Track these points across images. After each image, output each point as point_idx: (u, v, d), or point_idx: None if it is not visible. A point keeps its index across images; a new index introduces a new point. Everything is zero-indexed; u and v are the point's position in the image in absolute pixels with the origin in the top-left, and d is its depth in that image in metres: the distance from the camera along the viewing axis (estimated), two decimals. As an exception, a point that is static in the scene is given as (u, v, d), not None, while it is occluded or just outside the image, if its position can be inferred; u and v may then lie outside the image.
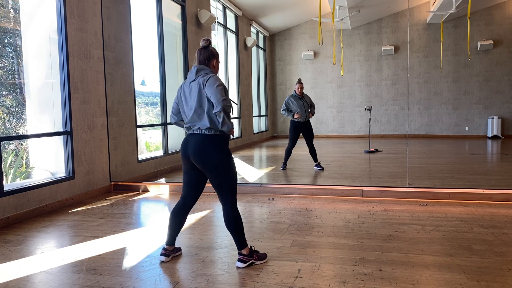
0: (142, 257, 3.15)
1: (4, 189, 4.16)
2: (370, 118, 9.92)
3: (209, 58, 2.93)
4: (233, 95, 10.79)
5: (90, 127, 5.36)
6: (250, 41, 11.33)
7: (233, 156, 2.95)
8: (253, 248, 2.99)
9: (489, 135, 11.77)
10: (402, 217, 4.10)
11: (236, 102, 10.79)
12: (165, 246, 3.08)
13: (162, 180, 6.40)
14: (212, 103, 2.77)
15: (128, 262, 3.05)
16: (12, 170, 5.13)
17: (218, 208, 4.59)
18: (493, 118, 11.71)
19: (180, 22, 7.85)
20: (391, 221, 3.96)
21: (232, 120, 2.85)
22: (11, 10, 5.11)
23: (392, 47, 12.66)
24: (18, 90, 5.18)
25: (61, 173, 5.04)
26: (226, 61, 10.36)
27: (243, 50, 11.21)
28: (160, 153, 7.30)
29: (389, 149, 9.79)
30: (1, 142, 4.25)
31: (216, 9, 9.66)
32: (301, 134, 6.95)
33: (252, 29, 12.01)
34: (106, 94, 5.67)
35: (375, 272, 2.75)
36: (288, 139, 6.97)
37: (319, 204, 4.69)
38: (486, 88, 12.06)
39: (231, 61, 10.68)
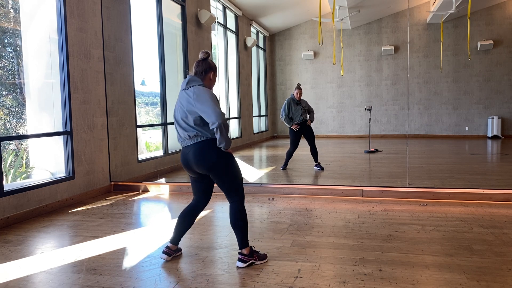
0: (142, 257, 3.15)
1: (4, 189, 4.16)
2: (370, 118, 9.92)
3: (206, 70, 2.92)
4: (233, 95, 10.80)
5: (90, 127, 5.36)
6: (250, 41, 11.33)
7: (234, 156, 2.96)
8: (253, 248, 3.00)
9: (489, 135, 11.77)
10: (402, 217, 4.10)
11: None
12: (169, 244, 3.09)
13: (162, 180, 6.40)
14: (200, 115, 2.75)
15: (128, 262, 3.05)
16: (12, 170, 5.13)
17: (218, 208, 4.59)
18: (493, 118, 11.71)
19: (180, 22, 7.85)
20: (391, 221, 3.96)
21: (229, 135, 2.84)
22: (11, 10, 5.11)
23: (392, 47, 12.65)
24: (18, 90, 5.18)
25: (61, 173, 5.04)
26: (226, 61, 10.36)
27: (243, 50, 11.21)
28: (160, 153, 7.30)
29: (389, 149, 9.79)
30: (1, 142, 4.24)
31: (216, 9, 9.66)
32: (302, 136, 6.95)
33: (252, 29, 12.00)
34: (106, 94, 5.67)
35: (375, 272, 2.75)
36: (289, 141, 6.96)
37: (319, 204, 4.69)
38: (486, 88, 12.06)
39: (231, 61, 10.68)
